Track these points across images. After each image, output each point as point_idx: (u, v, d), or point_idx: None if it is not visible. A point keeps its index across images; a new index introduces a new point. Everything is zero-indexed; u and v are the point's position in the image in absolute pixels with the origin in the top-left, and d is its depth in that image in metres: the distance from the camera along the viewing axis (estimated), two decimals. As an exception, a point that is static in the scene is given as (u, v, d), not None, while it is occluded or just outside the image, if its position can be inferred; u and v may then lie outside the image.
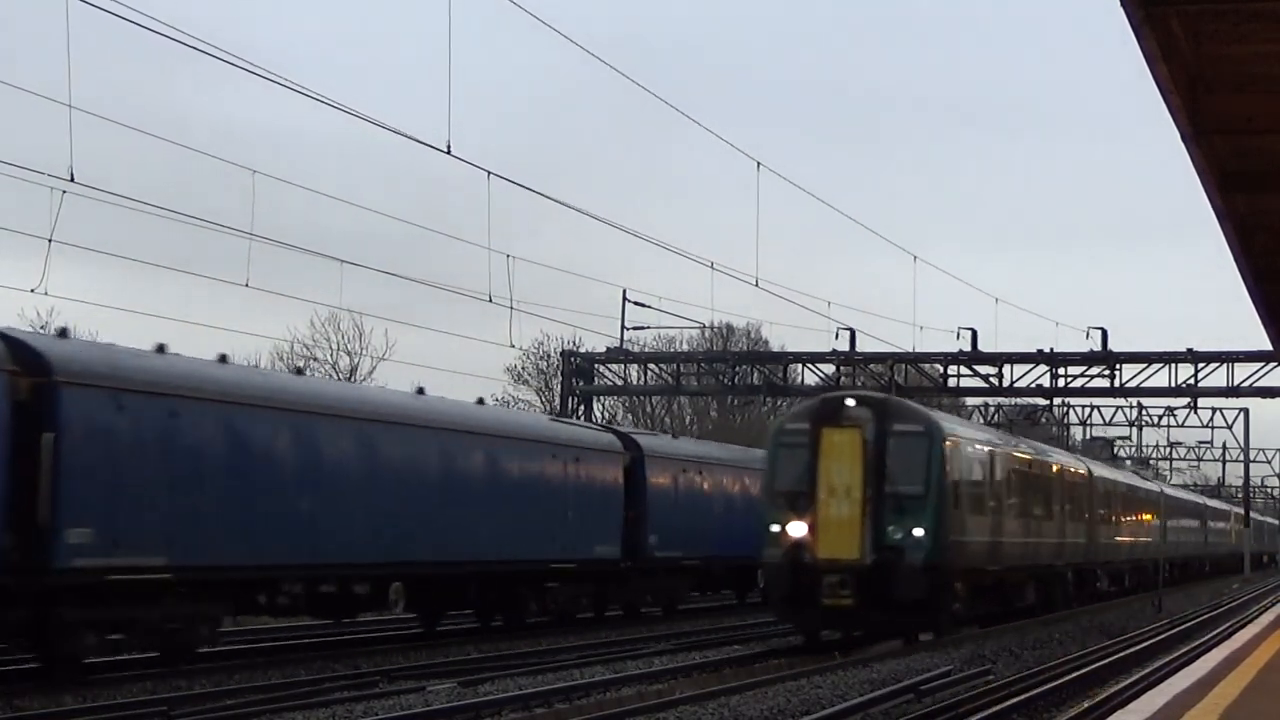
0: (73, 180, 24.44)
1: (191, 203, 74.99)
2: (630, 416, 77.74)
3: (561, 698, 22.29)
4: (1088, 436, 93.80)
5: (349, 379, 56.62)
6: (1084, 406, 74.89)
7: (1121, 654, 30.27)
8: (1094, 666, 27.38)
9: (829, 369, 51.47)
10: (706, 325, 67.56)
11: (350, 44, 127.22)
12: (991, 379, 49.97)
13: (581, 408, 55.54)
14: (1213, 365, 48.44)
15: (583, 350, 56.94)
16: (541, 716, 20.50)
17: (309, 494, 27.00)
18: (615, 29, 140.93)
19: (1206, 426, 79.16)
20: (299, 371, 39.81)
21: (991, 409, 75.77)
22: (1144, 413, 74.53)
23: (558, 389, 59.45)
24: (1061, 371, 49.19)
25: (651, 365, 54.49)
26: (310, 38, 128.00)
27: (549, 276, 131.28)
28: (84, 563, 22.66)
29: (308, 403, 27.80)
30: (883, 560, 31.14)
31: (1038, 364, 49.32)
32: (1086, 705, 21.22)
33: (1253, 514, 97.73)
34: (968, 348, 49.17)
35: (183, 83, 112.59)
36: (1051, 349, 49.27)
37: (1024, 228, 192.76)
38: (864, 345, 49.87)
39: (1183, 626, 39.72)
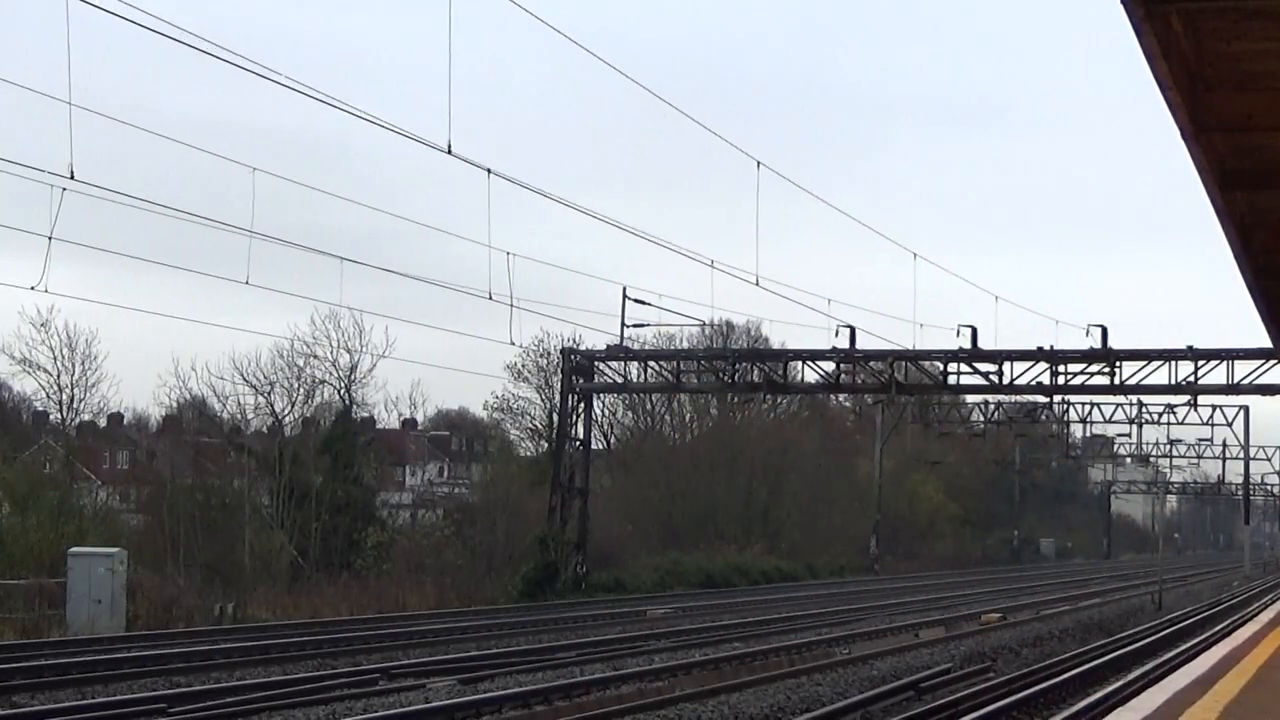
0: (73, 178, 24.46)
1: (192, 200, 75.16)
2: (630, 414, 77.76)
3: (561, 695, 22.28)
4: (1087, 434, 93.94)
5: (349, 377, 56.67)
6: (1084, 404, 74.90)
7: (1121, 651, 30.27)
8: (1093, 664, 27.38)
9: (829, 366, 51.43)
10: (706, 323, 67.57)
11: (351, 43, 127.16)
12: (991, 376, 49.86)
13: (582, 405, 55.51)
14: (1213, 362, 48.36)
15: (583, 348, 56.87)
16: (541, 714, 20.49)
17: None
18: (617, 28, 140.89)
19: (1207, 424, 79.22)
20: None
21: (991, 406, 75.88)
22: (1144, 410, 74.50)
23: (558, 386, 59.35)
24: (1061, 369, 49.09)
25: (652, 363, 54.40)
26: (310, 37, 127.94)
27: (549, 274, 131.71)
28: None
29: None
30: None
31: (1038, 361, 49.22)
32: (1086, 703, 21.20)
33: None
34: (968, 345, 49.08)
35: (183, 81, 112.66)
36: (1051, 346, 49.18)
37: (1024, 227, 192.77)
38: (864, 343, 49.85)
39: (1182, 624, 39.71)
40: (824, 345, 50.73)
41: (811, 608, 47.02)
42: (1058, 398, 56.47)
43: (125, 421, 68.43)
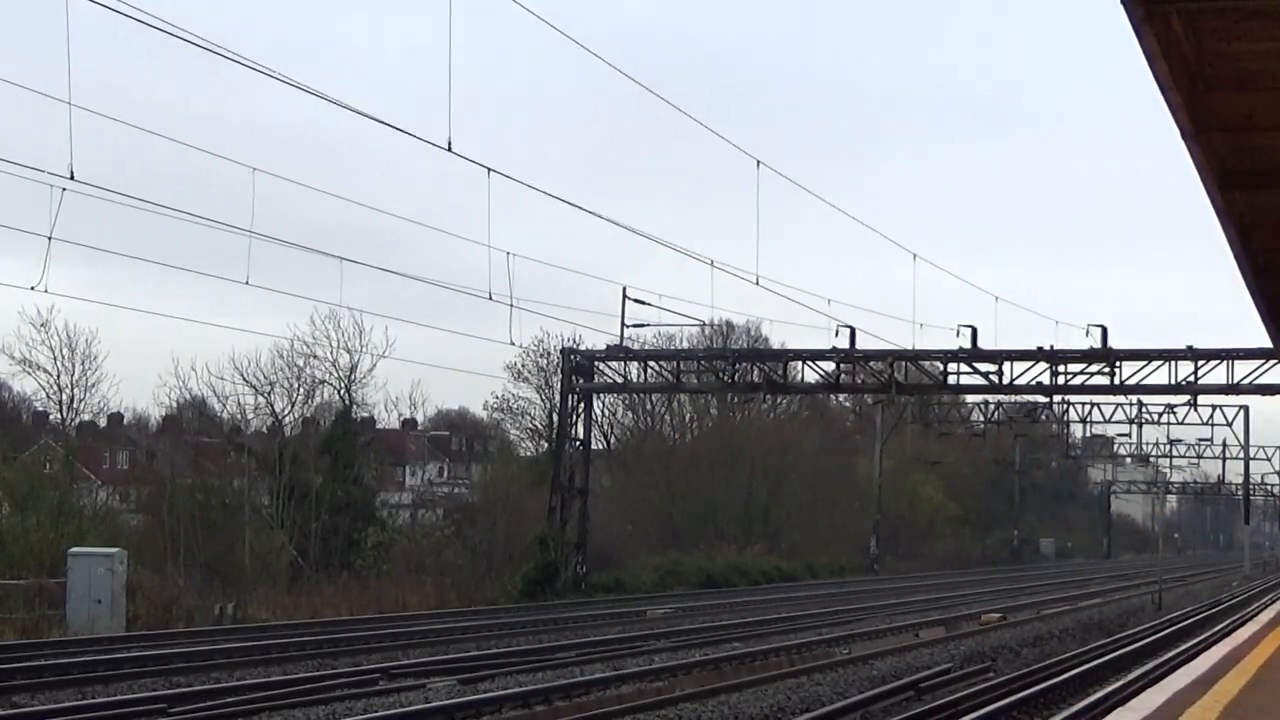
0: (73, 178, 24.48)
1: (192, 200, 75.11)
2: (630, 414, 77.76)
3: (561, 695, 22.29)
4: (1087, 434, 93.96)
5: (349, 377, 56.68)
6: (1084, 404, 74.90)
7: (1121, 651, 30.27)
8: (1093, 664, 27.38)
9: (829, 366, 51.44)
10: (706, 322, 67.59)
11: (350, 43, 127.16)
12: (991, 376, 49.85)
13: (582, 405, 55.50)
14: (1213, 362, 48.36)
15: (583, 348, 56.88)
16: (541, 714, 20.49)
17: None
18: (615, 28, 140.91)
19: (1207, 424, 79.25)
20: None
21: (991, 406, 75.89)
22: (1144, 410, 74.51)
23: (558, 386, 59.37)
24: (1061, 369, 49.08)
25: (652, 363, 54.41)
26: (310, 37, 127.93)
27: (549, 274, 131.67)
28: None
29: None
30: None
31: (1038, 361, 49.21)
32: (1086, 703, 21.20)
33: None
34: (968, 345, 49.07)
35: (183, 81, 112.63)
36: (1051, 346, 49.17)
37: (1024, 227, 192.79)
38: (864, 343, 49.85)
39: (1182, 624, 39.71)
40: (824, 345, 50.77)
41: (811, 608, 47.03)
42: (1058, 398, 56.48)
43: (125, 422, 68.46)
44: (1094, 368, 48.75)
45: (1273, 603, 45.10)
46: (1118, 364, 48.46)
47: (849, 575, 73.66)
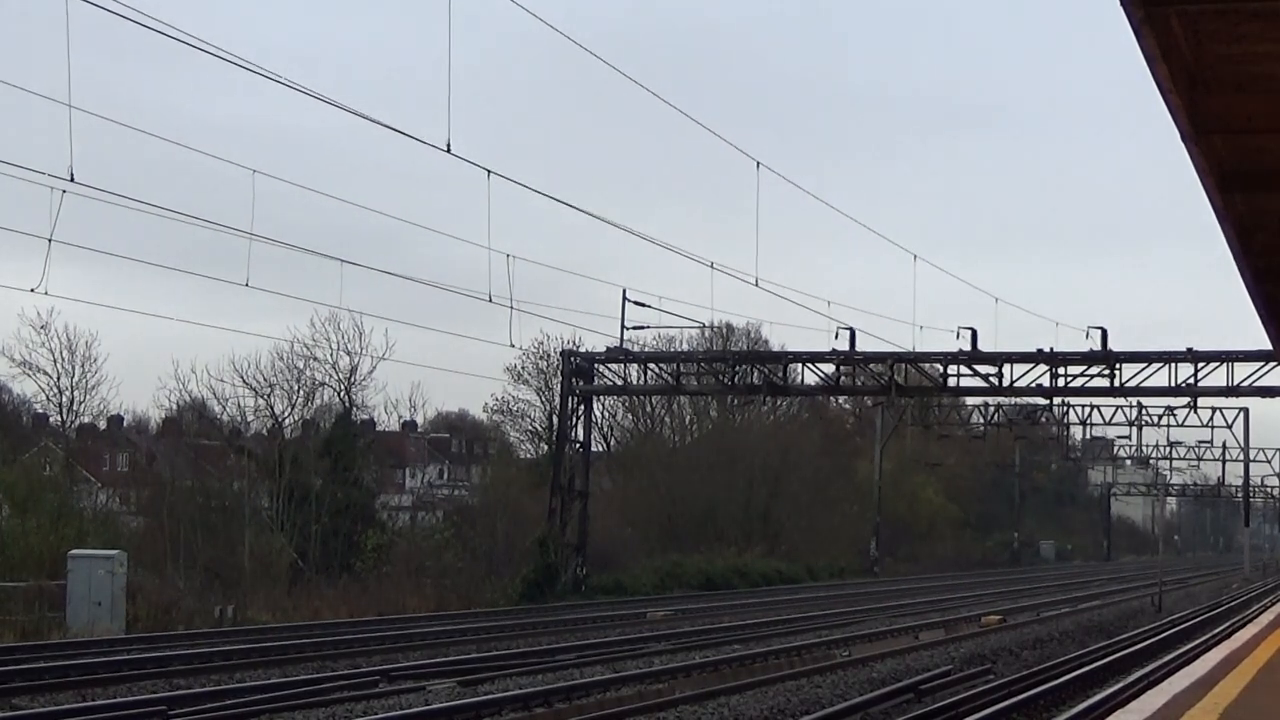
0: (73, 180, 24.50)
1: (191, 202, 75.14)
2: (630, 416, 77.75)
3: (561, 697, 22.30)
4: (1087, 436, 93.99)
5: (349, 379, 56.67)
6: (1084, 406, 74.95)
7: (1121, 654, 30.27)
8: (1093, 666, 27.39)
9: (829, 368, 51.43)
10: (706, 325, 67.57)
11: (350, 44, 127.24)
12: (991, 379, 49.87)
13: (581, 407, 55.47)
14: (1212, 365, 48.38)
15: (583, 350, 56.88)
16: (541, 716, 20.50)
17: None
18: (616, 29, 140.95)
19: (1206, 426, 79.30)
20: None
21: (991, 408, 75.90)
22: (1144, 412, 74.55)
23: (557, 389, 59.39)
24: (1061, 371, 49.10)
25: (651, 365, 54.41)
26: (310, 38, 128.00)
27: (549, 276, 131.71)
28: None
29: None
30: None
31: (1037, 363, 49.22)
32: (1086, 705, 21.20)
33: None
34: (967, 347, 49.09)
35: (183, 83, 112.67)
36: (1051, 348, 49.20)
37: (1024, 228, 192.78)
38: (864, 345, 49.85)
39: (1182, 626, 39.71)
40: (824, 347, 50.77)
41: (811, 609, 47.02)
42: (1058, 400, 56.48)
43: (125, 424, 68.42)
44: (1094, 370, 48.78)
45: (1272, 605, 45.11)
46: (1118, 366, 48.48)
47: (849, 577, 73.66)
